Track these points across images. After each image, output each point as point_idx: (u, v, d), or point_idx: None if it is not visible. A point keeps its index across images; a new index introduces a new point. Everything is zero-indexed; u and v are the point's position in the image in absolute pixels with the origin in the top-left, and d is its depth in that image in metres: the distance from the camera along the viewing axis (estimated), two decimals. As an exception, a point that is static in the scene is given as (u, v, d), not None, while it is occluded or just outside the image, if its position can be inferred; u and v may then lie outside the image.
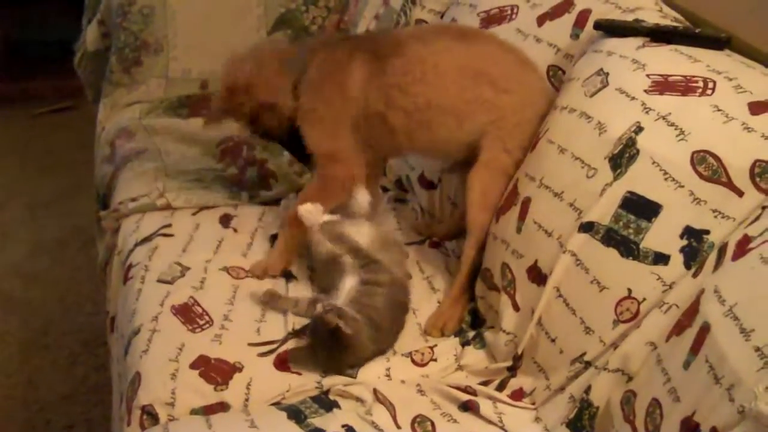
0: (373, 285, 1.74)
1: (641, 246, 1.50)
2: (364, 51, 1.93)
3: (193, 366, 1.65)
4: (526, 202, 1.72)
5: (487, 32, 2.07)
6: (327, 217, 1.85)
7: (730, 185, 1.46)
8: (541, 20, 2.01)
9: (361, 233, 1.86)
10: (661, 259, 1.49)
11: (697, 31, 1.74)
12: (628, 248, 1.52)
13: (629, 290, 1.50)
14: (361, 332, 1.64)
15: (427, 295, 1.92)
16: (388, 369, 1.71)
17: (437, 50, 1.89)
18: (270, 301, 1.81)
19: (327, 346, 1.64)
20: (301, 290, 1.89)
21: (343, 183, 1.91)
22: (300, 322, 1.77)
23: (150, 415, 1.59)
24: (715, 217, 1.46)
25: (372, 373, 1.68)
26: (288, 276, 1.93)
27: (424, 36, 1.95)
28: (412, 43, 1.91)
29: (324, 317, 1.63)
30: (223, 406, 1.61)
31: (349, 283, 1.75)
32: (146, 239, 2.04)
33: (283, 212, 2.14)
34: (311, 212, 1.85)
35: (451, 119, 1.86)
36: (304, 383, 1.64)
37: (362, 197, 1.91)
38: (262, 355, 1.69)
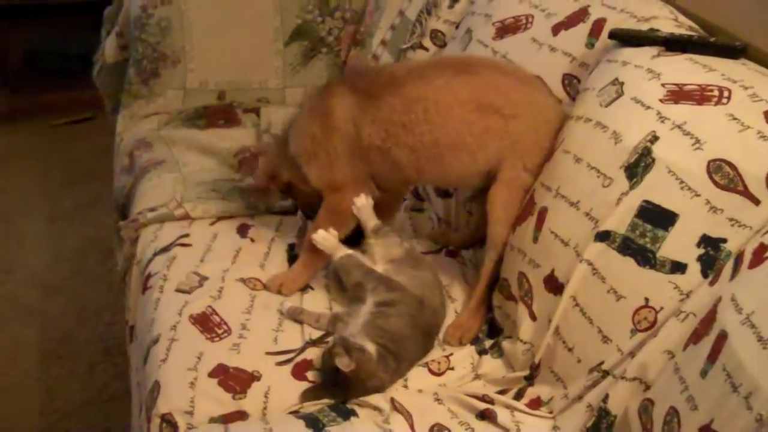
0: (386, 306, 1.73)
1: (658, 255, 1.51)
2: (350, 86, 1.93)
3: (212, 375, 1.66)
4: (543, 211, 1.73)
5: (485, 59, 2.07)
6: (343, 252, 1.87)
7: (746, 193, 1.46)
8: (556, 29, 2.02)
9: (386, 249, 1.88)
10: (678, 267, 1.49)
11: (712, 39, 1.74)
12: (645, 257, 1.52)
13: (646, 299, 1.51)
14: (368, 363, 1.63)
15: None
16: (405, 378, 1.71)
17: (437, 87, 1.86)
18: (293, 315, 1.83)
19: (333, 380, 1.63)
20: (317, 301, 1.90)
21: (349, 211, 1.91)
22: (317, 332, 1.79)
23: (169, 423, 1.60)
24: (732, 225, 1.46)
25: (389, 382, 1.69)
26: (304, 287, 1.94)
27: (422, 73, 1.91)
28: (410, 81, 1.88)
29: (331, 351, 1.63)
30: (241, 415, 1.62)
31: (366, 308, 1.75)
32: (165, 249, 2.06)
33: (300, 221, 2.15)
34: (326, 239, 1.87)
35: (464, 154, 1.85)
36: (321, 392, 1.65)
37: (363, 203, 1.91)
38: (280, 364, 1.70)
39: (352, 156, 1.91)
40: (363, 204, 1.90)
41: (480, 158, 1.85)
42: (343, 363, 1.58)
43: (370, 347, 1.65)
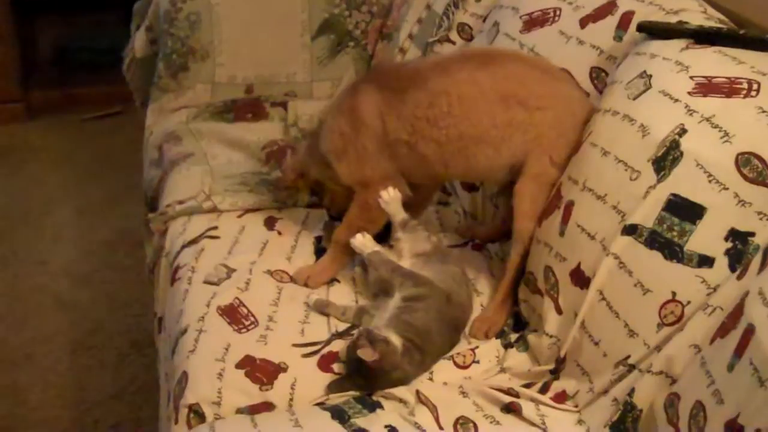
0: (413, 300, 1.72)
1: (685, 249, 1.50)
2: (376, 83, 1.94)
3: (239, 366, 1.68)
4: (569, 205, 1.72)
5: (508, 51, 2.07)
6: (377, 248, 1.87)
7: (775, 187, 1.45)
8: (583, 22, 2.01)
9: (413, 244, 1.88)
10: (706, 261, 1.48)
11: (741, 32, 1.72)
12: (672, 251, 1.51)
13: (673, 293, 1.50)
14: (392, 354, 1.63)
15: (471, 298, 1.92)
16: (430, 371, 1.72)
17: (460, 80, 1.86)
18: (319, 308, 1.84)
19: (358, 372, 1.64)
20: (343, 294, 1.91)
21: (379, 207, 1.91)
22: (343, 324, 1.80)
23: (197, 413, 1.62)
24: (760, 219, 1.45)
25: (415, 374, 1.69)
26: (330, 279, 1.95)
27: (445, 66, 1.92)
28: (433, 75, 1.88)
29: (354, 343, 1.63)
30: (268, 406, 1.64)
31: (393, 302, 1.74)
32: (193, 241, 2.07)
33: (326, 215, 2.16)
34: (364, 244, 1.87)
35: (488, 147, 1.85)
36: (347, 384, 1.66)
37: (390, 196, 1.90)
38: (307, 355, 1.72)
39: (380, 152, 1.91)
40: (391, 197, 1.90)
41: (505, 151, 1.85)
42: (367, 353, 1.59)
43: (395, 340, 1.65)
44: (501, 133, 1.84)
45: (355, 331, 1.74)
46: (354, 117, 1.92)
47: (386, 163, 1.92)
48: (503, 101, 1.84)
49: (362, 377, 1.64)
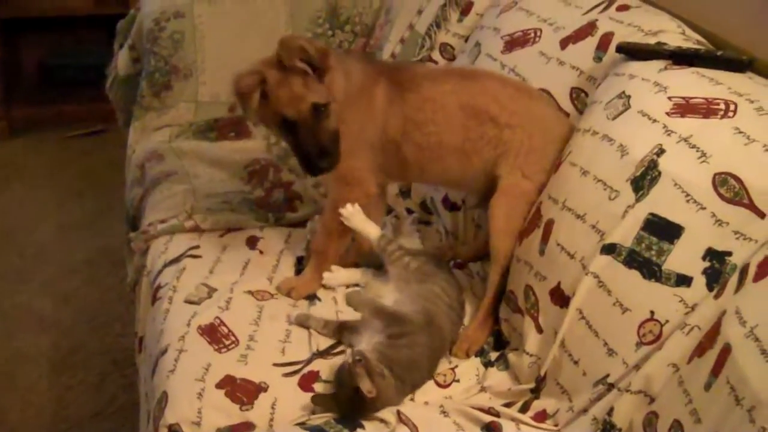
0: (397, 338, 1.70)
1: (663, 268, 1.51)
2: (388, 77, 1.96)
3: (219, 386, 1.67)
4: (549, 224, 1.73)
5: (487, 70, 2.10)
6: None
7: (752, 207, 1.46)
8: (564, 43, 2.03)
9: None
10: (684, 281, 1.49)
11: (719, 53, 1.74)
12: (651, 270, 1.52)
13: (652, 312, 1.51)
14: (388, 388, 1.62)
15: (451, 317, 1.92)
16: (411, 390, 1.72)
17: (445, 91, 1.93)
18: (300, 321, 1.84)
19: (349, 399, 1.60)
20: (324, 313, 1.89)
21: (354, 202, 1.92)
22: (324, 343, 1.79)
23: (176, 434, 1.61)
24: (737, 238, 1.46)
25: (395, 394, 1.69)
26: (312, 297, 1.95)
27: (435, 76, 2.01)
28: (425, 82, 1.95)
29: (351, 370, 1.59)
30: (248, 426, 1.63)
31: (377, 338, 1.71)
32: (174, 260, 2.07)
33: (308, 234, 2.16)
34: (334, 278, 1.91)
35: (461, 156, 1.92)
36: (328, 403, 1.65)
37: (349, 213, 1.91)
38: (287, 375, 1.71)
39: (374, 148, 1.94)
40: (351, 212, 1.90)
41: (475, 162, 1.91)
42: (366, 387, 1.56)
43: (385, 371, 1.63)
44: (472, 146, 1.90)
45: (336, 350, 1.74)
46: (369, 107, 1.93)
47: (374, 159, 1.95)
48: (477, 116, 1.89)
49: (350, 406, 1.61)
